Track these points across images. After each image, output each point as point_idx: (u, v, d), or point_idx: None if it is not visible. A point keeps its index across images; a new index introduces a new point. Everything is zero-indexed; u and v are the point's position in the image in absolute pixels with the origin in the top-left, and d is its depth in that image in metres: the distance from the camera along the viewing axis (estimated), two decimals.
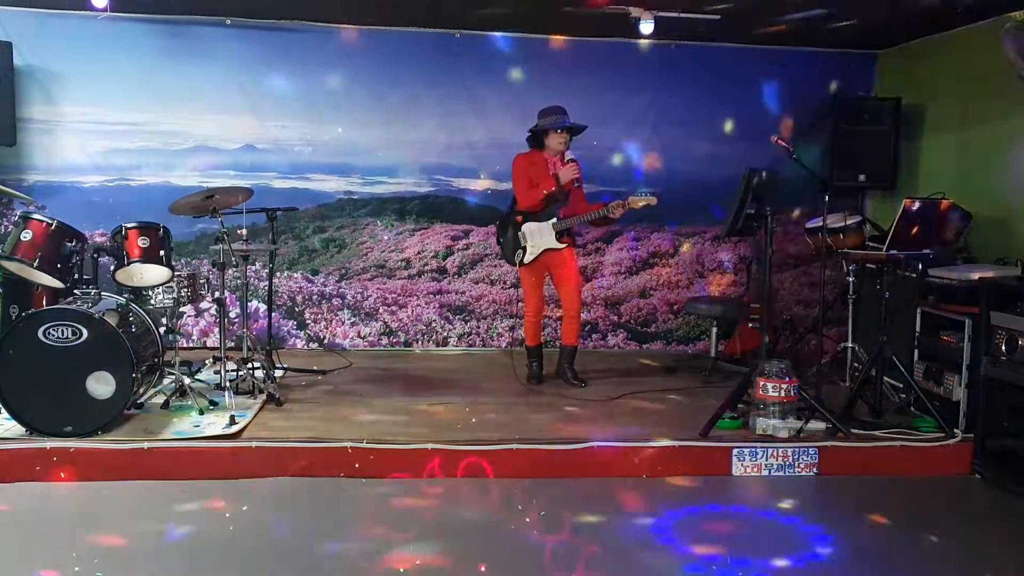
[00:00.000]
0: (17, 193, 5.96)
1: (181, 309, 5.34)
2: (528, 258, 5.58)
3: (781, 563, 3.55)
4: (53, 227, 4.76)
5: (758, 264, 6.35)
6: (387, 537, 3.68)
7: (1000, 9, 5.38)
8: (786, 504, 4.21)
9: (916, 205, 4.88)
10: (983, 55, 5.68)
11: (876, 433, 4.74)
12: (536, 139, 5.60)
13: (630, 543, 3.69)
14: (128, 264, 4.84)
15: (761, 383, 4.69)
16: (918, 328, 5.22)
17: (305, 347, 6.83)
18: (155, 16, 6.33)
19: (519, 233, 5.60)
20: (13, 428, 4.37)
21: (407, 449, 4.40)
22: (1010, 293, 4.51)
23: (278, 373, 5.67)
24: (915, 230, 4.91)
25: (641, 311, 7.15)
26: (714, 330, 6.24)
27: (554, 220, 5.54)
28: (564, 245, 5.58)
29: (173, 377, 5.05)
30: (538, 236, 5.57)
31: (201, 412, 4.76)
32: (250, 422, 4.67)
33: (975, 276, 4.79)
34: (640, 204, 5.47)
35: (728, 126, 6.99)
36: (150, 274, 4.95)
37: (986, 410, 4.61)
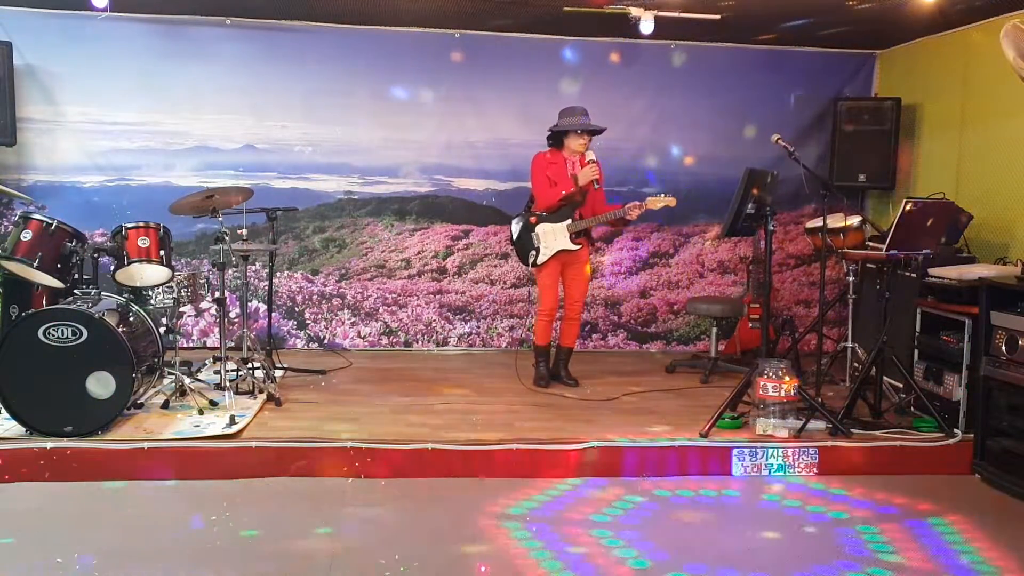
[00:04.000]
0: (17, 193, 5.96)
1: (181, 309, 5.34)
2: (541, 259, 5.53)
3: (780, 561, 3.56)
4: (53, 227, 4.76)
5: (757, 264, 6.35)
6: (388, 536, 3.69)
7: (1000, 9, 5.39)
8: (785, 503, 4.22)
9: (916, 205, 4.88)
10: (983, 55, 5.69)
11: (876, 433, 4.75)
12: (556, 139, 5.54)
13: (627, 543, 3.70)
14: (128, 264, 4.84)
15: (761, 383, 4.70)
16: (918, 328, 5.22)
17: (305, 347, 6.83)
18: (155, 16, 6.33)
19: (533, 234, 5.55)
20: (13, 428, 4.37)
21: (407, 449, 4.40)
22: (1010, 293, 4.51)
23: (278, 373, 5.67)
24: (915, 230, 4.91)
25: (641, 311, 7.15)
26: (714, 330, 6.25)
27: (569, 221, 5.50)
28: (579, 247, 5.54)
29: (173, 377, 5.05)
30: (552, 237, 5.52)
31: (201, 412, 4.76)
32: (250, 422, 4.67)
33: (975, 276, 4.79)
34: (659, 205, 5.44)
35: (728, 126, 6.98)
36: (150, 274, 4.95)
37: (986, 410, 4.61)
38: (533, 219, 5.57)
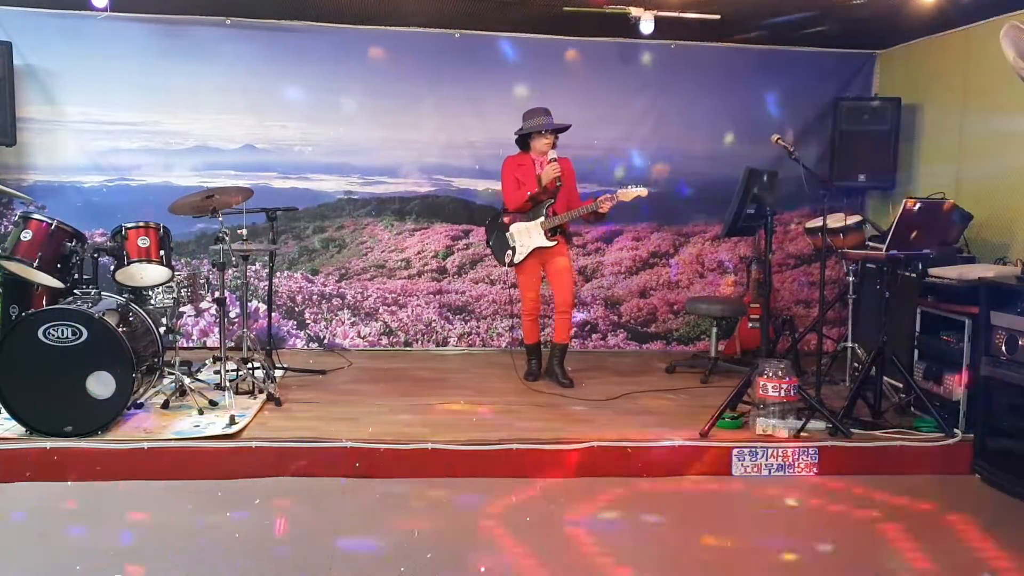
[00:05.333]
0: (17, 193, 5.97)
1: (181, 309, 5.34)
2: (518, 258, 5.63)
3: (780, 563, 3.56)
4: (53, 227, 4.76)
5: (758, 264, 6.35)
6: (389, 537, 3.68)
7: (1000, 9, 5.38)
8: (785, 504, 4.22)
9: (916, 205, 4.87)
10: (983, 55, 5.69)
11: (876, 433, 4.74)
12: (523, 141, 5.67)
13: (627, 543, 3.69)
14: (128, 264, 4.84)
15: (761, 383, 4.69)
16: (918, 328, 5.22)
17: (305, 347, 6.83)
18: (155, 16, 6.33)
19: (507, 234, 5.66)
20: (13, 428, 4.37)
21: (407, 449, 4.40)
22: (1010, 293, 4.51)
23: (278, 373, 5.67)
24: (915, 230, 4.91)
25: (641, 311, 7.15)
26: (714, 330, 6.25)
27: (542, 219, 5.59)
28: (555, 243, 5.62)
29: (173, 377, 5.05)
30: (526, 236, 5.62)
31: (201, 412, 4.76)
32: (250, 422, 4.67)
33: (975, 276, 4.79)
34: (631, 197, 5.48)
35: (728, 126, 6.99)
36: (150, 274, 4.95)
37: (986, 410, 4.62)
38: (507, 219, 5.68)
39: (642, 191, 5.50)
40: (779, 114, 6.96)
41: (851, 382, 5.56)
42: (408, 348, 6.95)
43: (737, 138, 6.96)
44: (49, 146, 6.41)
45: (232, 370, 5.20)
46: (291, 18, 6.45)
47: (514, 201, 5.60)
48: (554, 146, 5.56)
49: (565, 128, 5.63)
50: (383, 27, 6.59)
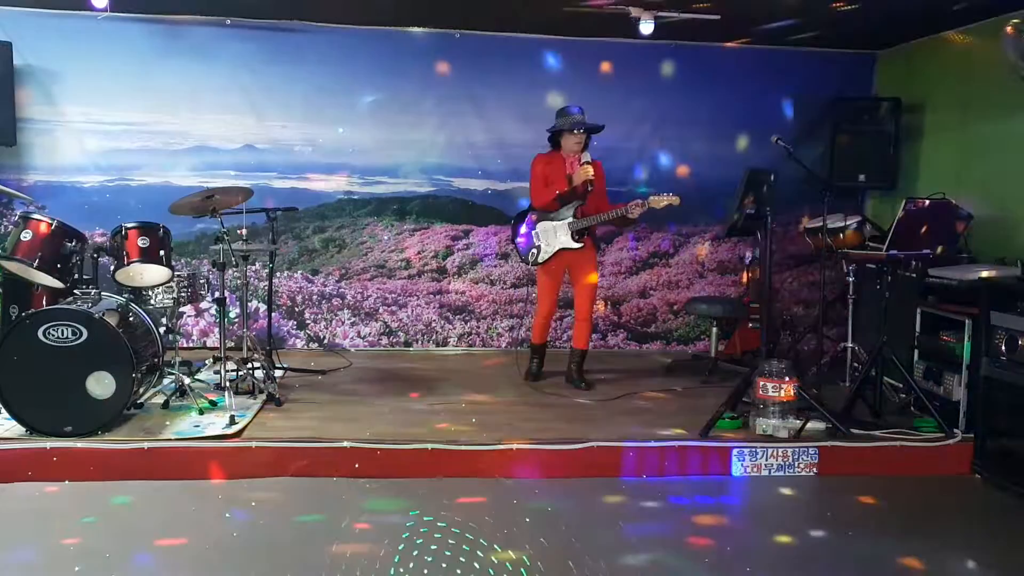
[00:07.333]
0: (17, 193, 5.96)
1: (181, 309, 5.33)
2: (542, 258, 5.55)
3: (779, 563, 3.56)
4: (53, 227, 4.76)
5: (758, 264, 6.35)
6: (388, 537, 3.69)
7: (1000, 9, 5.39)
8: (785, 504, 4.22)
9: (916, 205, 4.88)
10: (983, 55, 5.69)
11: (876, 433, 4.74)
12: (554, 139, 5.57)
13: (628, 542, 3.69)
14: (128, 264, 4.84)
15: (761, 383, 4.69)
16: (918, 328, 5.22)
17: (305, 347, 6.83)
18: (155, 16, 6.33)
19: (533, 232, 5.59)
20: (13, 428, 4.37)
21: (407, 449, 4.40)
22: (1010, 293, 4.51)
23: (278, 373, 5.67)
24: (915, 230, 4.91)
25: (641, 311, 7.15)
26: (714, 330, 6.24)
27: (570, 219, 5.49)
28: (581, 245, 5.51)
29: (173, 377, 5.05)
30: (552, 235, 5.53)
31: (201, 412, 4.76)
32: (250, 422, 4.67)
33: (975, 276, 4.79)
34: (662, 204, 5.34)
35: (728, 126, 6.98)
36: (150, 274, 4.95)
37: (986, 410, 4.62)
38: (533, 217, 5.59)
39: (674, 199, 5.32)
40: (779, 114, 6.95)
41: (851, 382, 5.56)
42: (408, 348, 6.95)
43: (737, 138, 6.95)
44: (49, 146, 6.41)
45: (232, 370, 5.20)
46: (291, 18, 6.46)
47: (541, 199, 5.51)
48: (586, 147, 5.47)
49: (598, 129, 5.51)
50: (383, 27, 6.59)
